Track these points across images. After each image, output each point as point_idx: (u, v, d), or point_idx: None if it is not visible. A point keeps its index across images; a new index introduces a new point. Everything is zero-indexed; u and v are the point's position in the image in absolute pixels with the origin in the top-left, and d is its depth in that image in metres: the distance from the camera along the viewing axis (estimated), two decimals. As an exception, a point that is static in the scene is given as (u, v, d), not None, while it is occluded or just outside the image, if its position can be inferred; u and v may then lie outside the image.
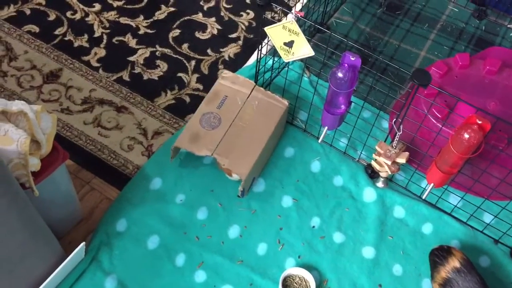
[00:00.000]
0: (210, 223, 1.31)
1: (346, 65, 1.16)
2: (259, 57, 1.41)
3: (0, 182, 0.75)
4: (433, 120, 1.30)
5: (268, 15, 1.33)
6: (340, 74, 1.16)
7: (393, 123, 1.22)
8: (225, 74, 1.45)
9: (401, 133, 1.23)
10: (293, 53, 1.27)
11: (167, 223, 1.29)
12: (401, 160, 1.27)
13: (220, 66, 1.64)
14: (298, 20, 1.22)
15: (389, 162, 1.27)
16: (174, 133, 1.47)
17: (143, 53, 1.64)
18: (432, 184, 1.24)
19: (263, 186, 1.38)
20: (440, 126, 1.26)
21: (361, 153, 1.42)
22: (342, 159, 1.43)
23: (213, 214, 1.32)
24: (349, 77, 1.16)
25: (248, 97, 1.39)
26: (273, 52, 1.50)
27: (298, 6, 1.78)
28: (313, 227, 1.32)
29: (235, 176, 1.30)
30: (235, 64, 1.65)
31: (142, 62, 1.62)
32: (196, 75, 1.61)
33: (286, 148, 1.45)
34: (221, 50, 1.68)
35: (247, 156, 1.29)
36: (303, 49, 1.24)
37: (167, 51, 1.66)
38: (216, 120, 1.33)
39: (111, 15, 1.73)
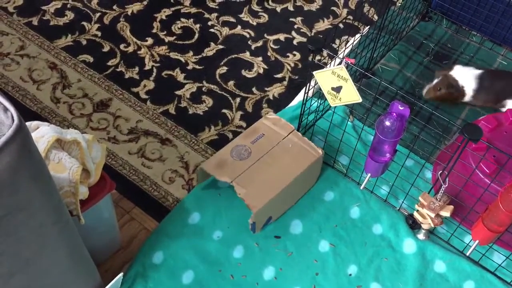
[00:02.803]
0: (246, 263, 1.30)
1: (394, 114, 1.15)
2: (305, 99, 1.42)
3: (55, 210, 0.77)
4: (480, 175, 1.27)
5: (314, 56, 1.35)
6: (387, 123, 1.16)
7: (438, 175, 1.20)
8: (269, 115, 1.47)
9: (446, 185, 1.20)
10: (340, 98, 1.28)
11: (203, 259, 1.29)
12: (445, 213, 1.24)
13: (264, 105, 1.66)
14: (346, 66, 1.23)
15: (433, 215, 1.24)
16: (215, 168, 1.49)
17: (190, 87, 1.68)
18: (477, 241, 1.20)
19: (301, 229, 1.37)
20: (488, 181, 1.23)
21: (402, 202, 1.39)
22: (383, 207, 1.41)
23: (249, 254, 1.31)
24: (396, 126, 1.16)
25: (284, 139, 1.40)
26: (318, 94, 1.51)
27: (346, 51, 1.79)
28: (350, 275, 1.29)
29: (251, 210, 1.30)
30: (278, 104, 1.67)
31: (188, 96, 1.66)
32: (240, 113, 1.63)
33: (326, 192, 1.44)
34: (266, 89, 1.71)
35: (265, 192, 1.29)
36: (351, 95, 1.25)
37: (213, 87, 1.69)
38: (247, 153, 1.35)
39: (162, 49, 1.79)
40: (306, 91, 1.40)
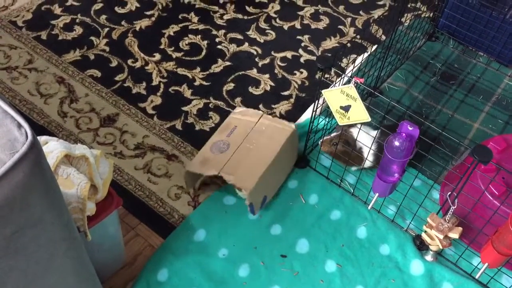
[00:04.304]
0: (251, 282, 1.28)
1: (403, 134, 1.15)
2: (313, 117, 1.42)
3: (65, 227, 0.76)
4: (489, 197, 1.26)
5: (323, 75, 1.35)
6: (397, 143, 1.16)
7: (447, 196, 1.19)
8: (236, 109, 1.53)
9: (455, 207, 1.19)
10: (348, 117, 1.28)
11: (208, 277, 1.28)
12: (454, 235, 1.23)
13: (271, 122, 1.66)
14: (355, 85, 1.23)
15: (441, 236, 1.23)
16: (221, 185, 1.48)
17: (197, 104, 1.69)
18: (486, 264, 1.19)
19: (307, 248, 1.36)
20: (497, 203, 1.22)
21: (410, 222, 1.38)
22: (390, 227, 1.40)
23: (255, 273, 1.30)
24: (405, 146, 1.15)
25: (256, 124, 1.46)
26: (326, 112, 1.51)
27: (353, 70, 1.80)
28: (357, 296, 1.28)
29: (244, 192, 1.33)
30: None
31: (195, 112, 1.66)
32: (246, 129, 1.63)
33: (333, 211, 1.43)
34: (273, 106, 1.71)
35: (253, 172, 1.33)
36: (360, 114, 1.24)
37: (220, 103, 1.70)
38: (225, 146, 1.40)
39: (170, 65, 1.80)
40: (314, 109, 1.39)
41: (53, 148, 1.03)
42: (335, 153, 1.44)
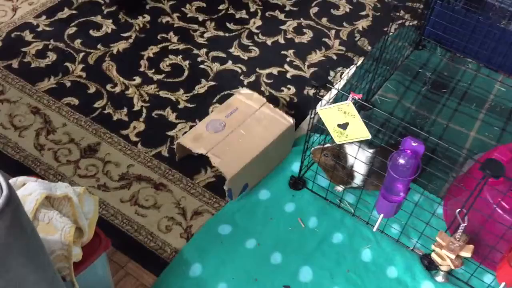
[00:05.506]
0: (255, 317, 1.20)
1: (408, 151, 1.09)
2: (307, 137, 1.35)
3: (49, 285, 0.67)
4: (499, 211, 1.20)
5: (310, 90, 1.29)
6: (402, 161, 1.09)
7: (456, 213, 1.13)
8: (242, 90, 1.55)
9: (466, 224, 1.13)
10: (347, 135, 1.21)
11: (208, 316, 1.19)
12: (466, 254, 1.16)
13: (262, 143, 1.58)
14: (355, 103, 1.16)
15: (453, 256, 1.16)
16: (214, 213, 1.39)
17: (183, 127, 1.60)
18: (503, 284, 1.12)
19: (311, 276, 1.28)
20: (508, 217, 1.16)
21: (416, 242, 1.31)
22: (395, 248, 1.33)
23: (258, 307, 1.21)
24: (411, 164, 1.09)
25: (256, 111, 1.48)
26: (321, 130, 1.45)
27: (341, 83, 1.74)
28: (367, 324, 1.20)
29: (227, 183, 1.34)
30: (277, 141, 1.59)
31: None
32: (237, 152, 1.55)
33: (334, 234, 1.36)
34: (262, 126, 1.63)
35: (240, 159, 1.35)
36: (359, 132, 1.18)
37: (207, 126, 1.61)
38: (221, 126, 1.43)
39: (151, 88, 1.71)
40: (309, 127, 1.33)
41: (32, 190, 0.93)
42: (324, 166, 1.37)
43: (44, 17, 1.92)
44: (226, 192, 1.35)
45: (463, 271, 1.29)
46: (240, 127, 1.44)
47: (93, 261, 0.99)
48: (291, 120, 1.47)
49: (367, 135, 1.17)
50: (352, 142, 1.28)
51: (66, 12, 1.95)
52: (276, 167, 1.49)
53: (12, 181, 0.96)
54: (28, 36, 1.84)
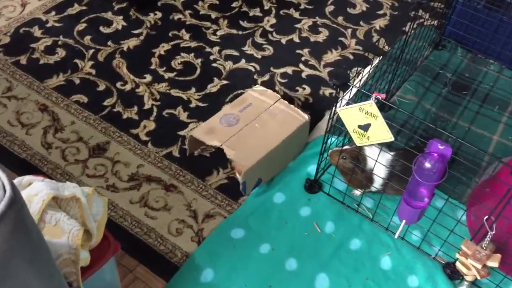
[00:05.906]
0: (269, 327, 1.14)
1: (435, 154, 1.03)
2: (325, 138, 1.29)
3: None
4: (529, 218, 1.14)
5: (326, 90, 1.23)
6: (428, 165, 1.03)
7: (484, 220, 1.06)
8: (256, 87, 1.54)
9: (494, 232, 1.07)
10: (368, 137, 1.15)
11: (220, 324, 1.13)
12: (493, 263, 1.10)
13: (276, 144, 1.53)
14: (377, 103, 1.11)
15: (479, 266, 1.10)
16: (226, 216, 1.34)
17: (194, 127, 1.55)
18: (534, 296, 1.06)
19: (327, 284, 1.22)
20: (538, 225, 1.10)
21: (439, 250, 1.25)
22: (416, 255, 1.27)
23: (272, 316, 1.16)
24: (438, 168, 1.03)
25: (270, 106, 1.45)
26: (339, 131, 1.39)
27: (360, 83, 1.68)
28: (387, 336, 1.14)
29: (238, 176, 1.31)
30: (291, 142, 1.53)
31: (193, 137, 1.52)
32: (250, 153, 1.50)
33: (352, 240, 1.30)
34: (276, 126, 1.58)
35: (254, 153, 1.32)
36: (381, 134, 1.12)
37: (219, 126, 1.56)
38: (235, 120, 1.40)
39: (162, 86, 1.66)
40: (328, 128, 1.27)
41: (38, 190, 0.88)
42: (342, 169, 1.32)
43: (53, 12, 1.88)
44: (241, 185, 1.31)
45: (488, 281, 1.23)
46: (254, 121, 1.41)
47: (102, 266, 0.94)
48: (306, 116, 1.44)
49: (390, 137, 1.11)
50: (372, 144, 1.23)
51: (76, 8, 1.91)
52: (289, 167, 1.44)
53: (17, 180, 0.91)
54: (37, 32, 1.80)
